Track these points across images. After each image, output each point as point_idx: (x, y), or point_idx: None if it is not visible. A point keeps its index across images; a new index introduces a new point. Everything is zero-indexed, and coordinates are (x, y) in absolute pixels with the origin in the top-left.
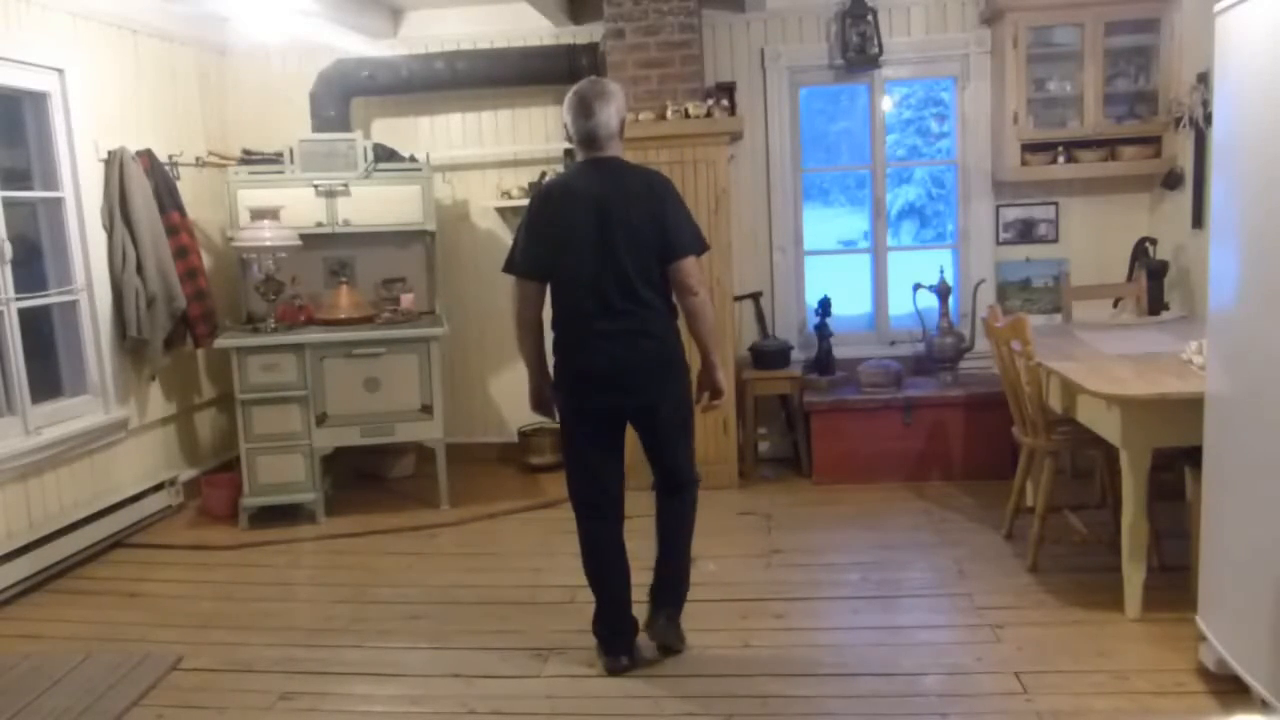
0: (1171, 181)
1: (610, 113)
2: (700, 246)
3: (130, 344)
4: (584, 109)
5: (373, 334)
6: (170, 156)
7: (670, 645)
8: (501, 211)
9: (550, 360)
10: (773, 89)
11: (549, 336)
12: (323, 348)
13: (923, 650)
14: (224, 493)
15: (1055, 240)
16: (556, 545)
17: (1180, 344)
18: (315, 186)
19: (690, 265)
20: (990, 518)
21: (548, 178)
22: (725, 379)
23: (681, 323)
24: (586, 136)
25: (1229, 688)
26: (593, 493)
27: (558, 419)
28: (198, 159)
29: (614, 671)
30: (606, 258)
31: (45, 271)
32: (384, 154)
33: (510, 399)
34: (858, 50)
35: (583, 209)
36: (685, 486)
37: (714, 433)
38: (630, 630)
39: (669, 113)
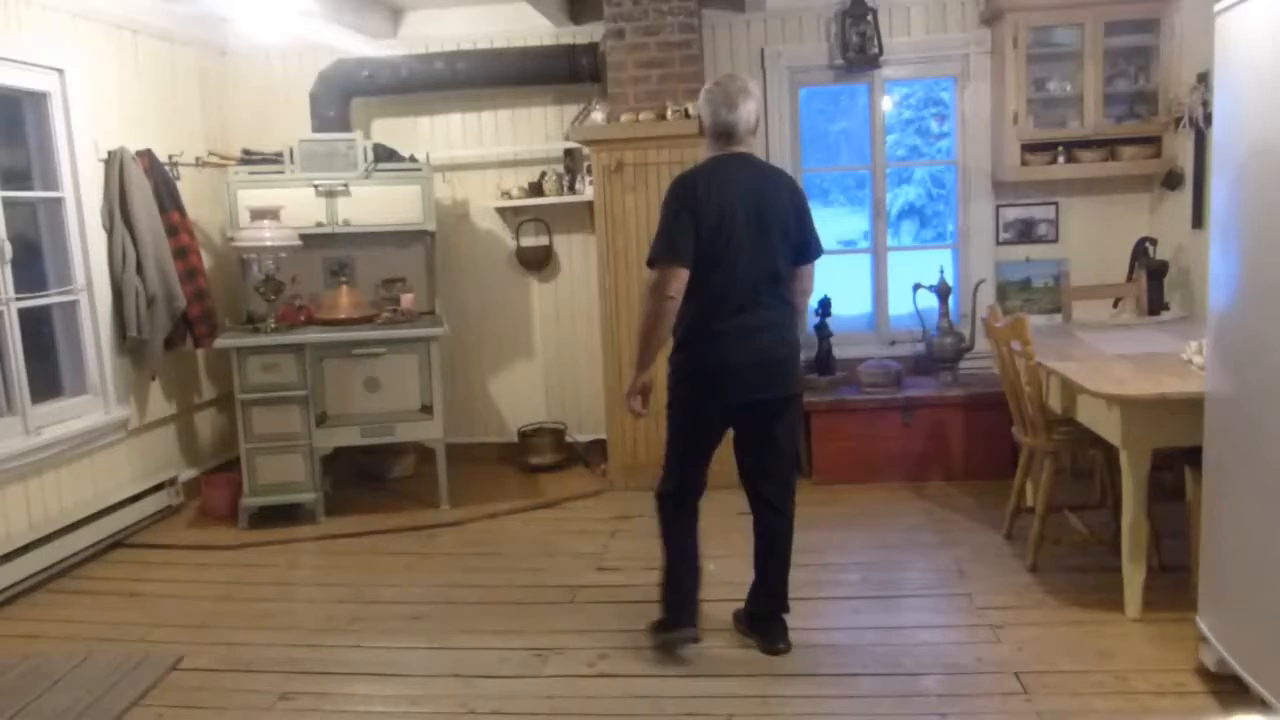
0: (1171, 181)
1: (751, 109)
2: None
3: (130, 344)
4: (729, 102)
5: (373, 334)
6: (170, 156)
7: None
8: (501, 211)
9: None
10: (773, 89)
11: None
12: (323, 348)
13: (923, 650)
14: (224, 493)
15: (1055, 240)
16: (556, 545)
17: (1180, 344)
18: (315, 186)
19: (814, 267)
20: (990, 518)
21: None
22: None
23: None
24: (727, 129)
25: (1229, 688)
26: (690, 487)
27: (644, 414)
28: (198, 159)
29: (683, 643)
30: (760, 252)
31: (45, 271)
32: (384, 154)
33: (510, 399)
34: (858, 50)
35: (741, 201)
36: (790, 495)
37: None
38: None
39: (669, 113)
